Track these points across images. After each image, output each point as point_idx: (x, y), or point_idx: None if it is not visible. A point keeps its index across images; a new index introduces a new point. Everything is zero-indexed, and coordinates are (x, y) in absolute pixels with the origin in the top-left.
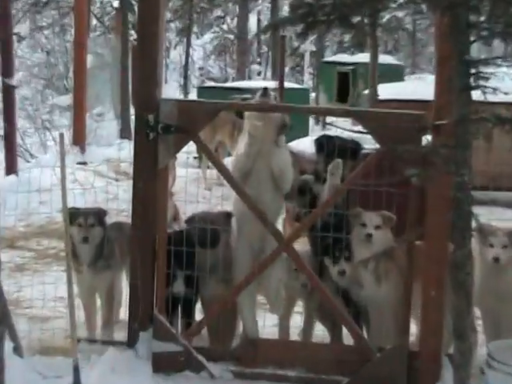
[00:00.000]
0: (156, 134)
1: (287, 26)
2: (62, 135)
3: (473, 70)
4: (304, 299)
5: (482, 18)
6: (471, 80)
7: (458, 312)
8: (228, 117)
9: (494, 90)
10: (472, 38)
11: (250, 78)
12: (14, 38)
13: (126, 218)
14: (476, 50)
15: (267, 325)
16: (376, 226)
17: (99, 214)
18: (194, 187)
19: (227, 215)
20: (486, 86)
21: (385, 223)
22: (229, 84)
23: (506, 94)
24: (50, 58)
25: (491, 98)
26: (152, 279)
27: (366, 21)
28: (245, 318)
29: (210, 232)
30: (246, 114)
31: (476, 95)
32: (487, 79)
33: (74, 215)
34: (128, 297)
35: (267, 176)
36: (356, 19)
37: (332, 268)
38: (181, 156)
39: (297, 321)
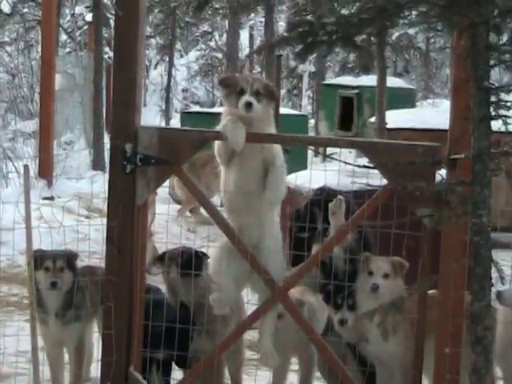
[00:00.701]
0: (134, 166)
1: (284, 47)
2: (26, 167)
3: (493, 98)
4: (302, 354)
5: (504, 40)
6: (491, 109)
7: (476, 371)
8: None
9: None
10: (492, 62)
11: None
12: None
13: (97, 260)
14: (497, 75)
15: (259, 382)
16: (384, 274)
17: (69, 257)
18: (177, 226)
19: (202, 255)
20: (507, 116)
21: (395, 271)
22: (216, 109)
23: None
24: (14, 78)
25: None
26: (128, 332)
27: (372, 40)
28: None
29: (191, 259)
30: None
31: (496, 126)
32: (509, 108)
33: (40, 258)
34: (100, 351)
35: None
36: (361, 38)
37: (333, 316)
38: (162, 191)
39: (292, 380)
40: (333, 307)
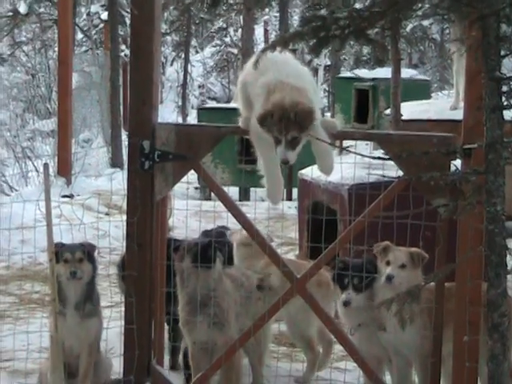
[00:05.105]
0: (152, 162)
1: (298, 41)
2: (46, 165)
3: (504, 88)
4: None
5: None
6: (503, 99)
7: (493, 357)
8: None
9: None
10: (503, 52)
11: None
12: None
13: (117, 256)
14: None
15: (280, 374)
16: (402, 265)
17: (88, 248)
18: (195, 221)
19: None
20: None
21: (414, 263)
22: (233, 104)
23: None
24: (31, 77)
25: None
26: (149, 325)
27: (386, 33)
28: None
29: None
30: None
31: (509, 115)
32: None
33: (59, 251)
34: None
35: None
36: (374, 31)
37: (339, 297)
38: (180, 186)
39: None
40: (339, 287)
